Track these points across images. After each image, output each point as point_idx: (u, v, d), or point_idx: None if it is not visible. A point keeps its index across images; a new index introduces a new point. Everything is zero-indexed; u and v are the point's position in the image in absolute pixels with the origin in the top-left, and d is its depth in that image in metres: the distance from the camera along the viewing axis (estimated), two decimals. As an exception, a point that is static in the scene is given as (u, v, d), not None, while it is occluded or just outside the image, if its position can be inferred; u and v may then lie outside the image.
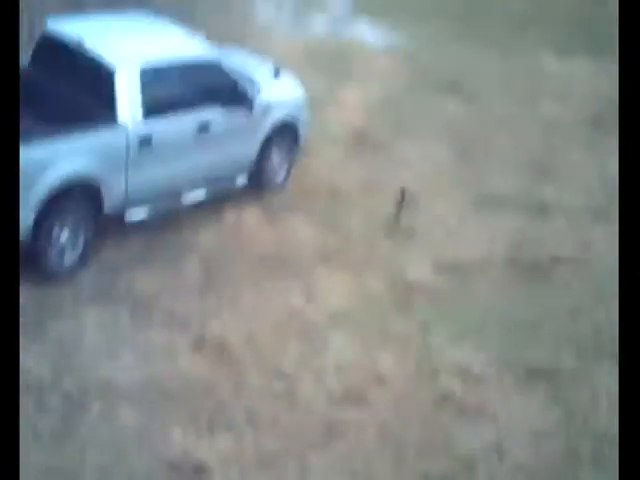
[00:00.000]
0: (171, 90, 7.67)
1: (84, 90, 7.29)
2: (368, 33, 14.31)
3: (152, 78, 7.30)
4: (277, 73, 8.79)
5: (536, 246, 8.88)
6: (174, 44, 7.92)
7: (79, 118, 7.06)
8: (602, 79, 12.89)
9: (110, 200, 7.33)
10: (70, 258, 7.24)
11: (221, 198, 8.59)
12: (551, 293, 8.10)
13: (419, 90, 11.91)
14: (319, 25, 14.21)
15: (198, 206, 8.39)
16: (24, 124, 6.11)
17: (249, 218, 8.65)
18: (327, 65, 12.27)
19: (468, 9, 16.29)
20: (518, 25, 15.78)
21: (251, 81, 8.35)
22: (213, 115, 7.92)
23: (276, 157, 8.93)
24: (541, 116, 11.73)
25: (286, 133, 8.86)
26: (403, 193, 8.63)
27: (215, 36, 12.13)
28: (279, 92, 8.68)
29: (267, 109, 8.44)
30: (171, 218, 8.15)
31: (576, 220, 9.44)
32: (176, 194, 8.02)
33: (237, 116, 8.13)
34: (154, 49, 7.64)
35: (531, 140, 11.05)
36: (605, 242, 8.93)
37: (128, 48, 7.47)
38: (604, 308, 7.76)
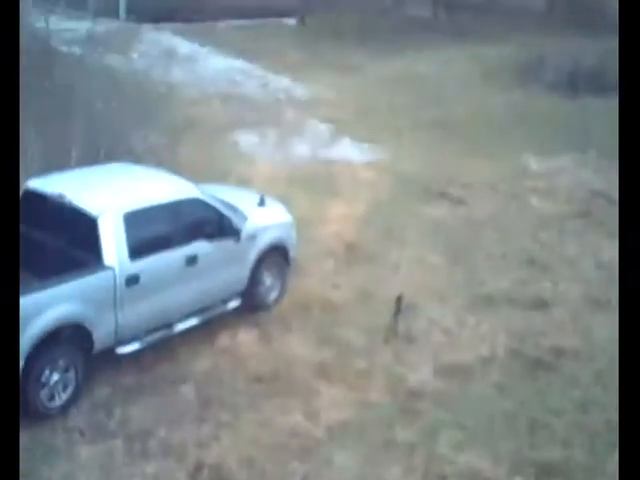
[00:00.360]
0: (156, 229, 7.76)
1: (70, 240, 7.44)
2: (350, 152, 14.68)
3: (135, 221, 7.41)
4: (262, 201, 8.94)
5: (537, 340, 8.73)
6: (155, 187, 8.08)
7: (66, 266, 7.15)
8: (586, 174, 13.10)
9: (100, 339, 7.32)
10: (61, 398, 7.13)
11: (214, 322, 8.53)
12: (557, 387, 7.87)
13: (406, 198, 12.09)
14: (301, 149, 14.58)
15: (191, 331, 8.32)
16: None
17: (244, 339, 8.54)
18: (312, 184, 12.52)
19: (450, 117, 16.88)
20: (499, 128, 16.31)
21: (237, 211, 8.48)
22: (200, 248, 7.99)
23: (268, 279, 8.93)
24: (529, 213, 11.83)
25: (276, 255, 8.91)
26: (399, 300, 8.56)
27: (200, 167, 12.63)
28: (266, 218, 8.80)
29: (254, 236, 8.53)
30: (164, 346, 8.06)
31: (576, 311, 9.31)
32: (168, 325, 7.99)
33: (225, 246, 8.20)
34: (135, 193, 7.79)
35: (522, 237, 11.09)
36: (607, 331, 8.76)
37: (109, 196, 7.64)
38: (613, 398, 7.50)
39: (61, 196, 7.49)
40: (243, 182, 12.45)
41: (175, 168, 12.26)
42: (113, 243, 7.31)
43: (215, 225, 8.12)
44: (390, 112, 17.08)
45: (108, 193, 7.70)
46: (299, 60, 20.34)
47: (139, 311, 7.61)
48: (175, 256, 7.83)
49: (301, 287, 9.51)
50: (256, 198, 9.12)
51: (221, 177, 12.55)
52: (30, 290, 6.75)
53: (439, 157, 14.12)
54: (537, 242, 10.93)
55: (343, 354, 8.34)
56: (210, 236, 8.07)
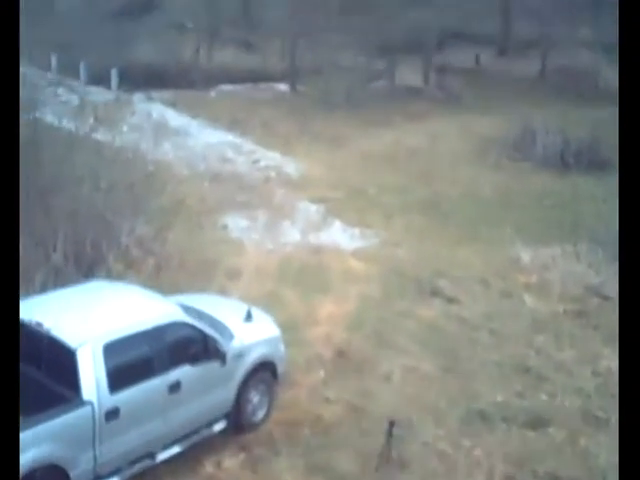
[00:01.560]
0: (137, 358, 7.43)
1: (48, 370, 7.14)
2: (340, 237, 14.47)
3: (116, 350, 7.11)
4: (249, 316, 8.63)
5: (534, 466, 8.40)
6: (137, 311, 7.78)
7: (44, 399, 6.81)
8: (579, 267, 12.91)
9: (77, 477, 6.94)
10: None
11: (198, 446, 8.16)
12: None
13: (397, 296, 11.83)
14: (292, 234, 14.36)
15: (175, 459, 7.95)
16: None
17: (229, 466, 8.19)
18: (302, 277, 12.27)
19: (441, 198, 16.74)
20: (489, 212, 16.18)
21: (222, 329, 8.19)
22: (184, 374, 7.67)
23: (255, 397, 8.59)
24: (523, 313, 11.58)
25: (264, 371, 8.59)
26: (392, 425, 8.23)
27: (188, 259, 12.36)
28: (252, 335, 8.48)
29: (241, 355, 8.22)
30: (146, 477, 7.68)
31: (574, 431, 9.01)
32: (150, 455, 7.63)
33: (210, 369, 7.87)
34: (116, 320, 7.48)
35: (517, 341, 10.82)
36: (606, 455, 8.46)
37: (88, 324, 7.33)
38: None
39: (39, 324, 7.19)
40: (232, 275, 12.23)
41: (163, 263, 12.17)
42: (92, 376, 7.00)
43: (200, 348, 7.81)
44: (380, 191, 16.94)
45: (88, 321, 7.38)
46: (289, 132, 20.29)
47: (119, 444, 7.27)
48: (157, 384, 7.51)
49: (290, 401, 9.18)
50: (242, 311, 8.82)
51: (210, 269, 12.33)
52: (4, 433, 6.40)
53: (430, 245, 13.92)
54: (532, 348, 10.65)
55: (333, 483, 7.99)
56: (194, 360, 7.77)
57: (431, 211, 15.89)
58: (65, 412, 6.88)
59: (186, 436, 7.97)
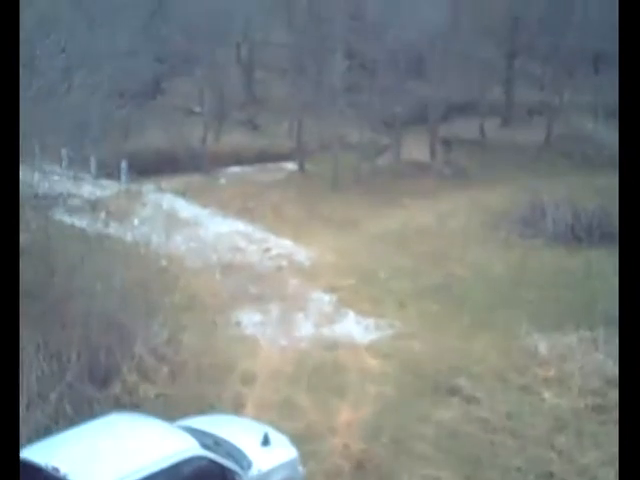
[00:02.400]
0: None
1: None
2: (354, 329, 14.40)
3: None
4: (266, 440, 8.53)
5: None
6: (153, 449, 7.70)
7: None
8: (597, 357, 12.77)
9: None
10: None
11: None
12: None
13: (414, 396, 11.69)
14: (305, 328, 14.31)
15: None
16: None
17: None
18: (317, 379, 12.16)
19: (452, 282, 16.70)
20: (502, 295, 16.11)
21: (240, 456, 8.10)
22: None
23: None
24: (544, 410, 11.41)
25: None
26: None
27: (203, 365, 12.29)
28: (271, 460, 8.39)
29: (260, 481, 8.12)
30: None
31: None
32: None
33: (229, 500, 7.77)
34: (133, 461, 7.39)
35: (538, 443, 10.62)
36: None
37: (105, 468, 7.27)
38: None
39: (56, 470, 7.12)
40: (247, 380, 12.12)
41: (177, 370, 12.11)
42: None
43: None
44: (392, 275, 16.94)
45: (104, 464, 7.31)
46: (299, 216, 20.41)
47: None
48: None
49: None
50: (258, 432, 8.72)
51: (224, 374, 12.25)
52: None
53: (445, 336, 13.82)
54: (554, 450, 10.45)
55: None
56: (214, 493, 7.67)
57: (444, 296, 15.83)
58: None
59: None
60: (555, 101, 30.54)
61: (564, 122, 29.82)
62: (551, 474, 10.00)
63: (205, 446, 7.78)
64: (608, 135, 28.85)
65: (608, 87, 29.58)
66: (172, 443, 7.79)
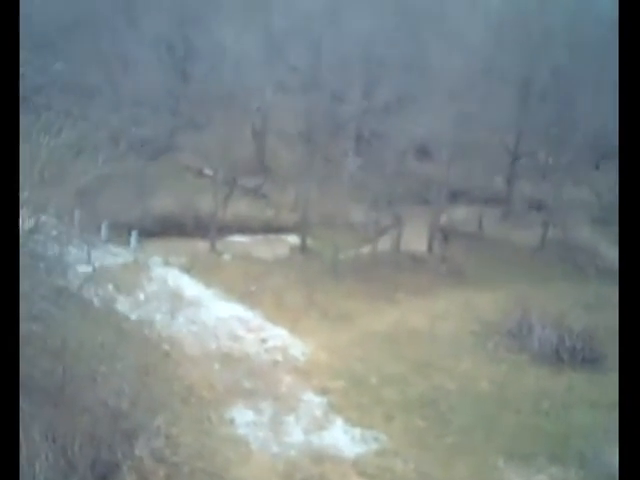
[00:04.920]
0: None
1: None
2: (342, 439, 15.05)
3: None
4: None
5: None
6: None
7: None
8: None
9: None
10: None
11: None
12: None
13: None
14: (295, 434, 14.94)
15: None
16: None
17: None
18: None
19: (439, 396, 17.39)
20: (485, 419, 16.81)
21: None
22: None
23: None
24: None
25: None
26: None
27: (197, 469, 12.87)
28: None
29: None
30: None
31: None
32: None
33: None
34: None
35: None
36: None
37: None
38: None
39: None
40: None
41: (173, 472, 12.71)
42: None
43: None
44: (381, 382, 17.62)
45: None
46: (297, 305, 21.15)
47: None
48: None
49: None
50: None
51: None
52: None
53: (427, 458, 14.51)
54: None
55: None
56: None
57: (430, 411, 16.53)
58: None
59: None
60: (554, 197, 31.15)
61: (561, 225, 30.63)
62: None
63: None
64: (602, 245, 29.98)
65: (607, 183, 30.80)
66: None
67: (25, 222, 13.82)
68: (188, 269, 21.66)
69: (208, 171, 29.97)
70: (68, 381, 13.38)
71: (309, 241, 27.05)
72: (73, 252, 19.43)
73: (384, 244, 28.12)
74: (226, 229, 26.66)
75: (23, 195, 14.12)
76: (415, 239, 28.22)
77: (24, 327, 13.18)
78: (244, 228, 27.74)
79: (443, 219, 29.41)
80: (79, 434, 12.39)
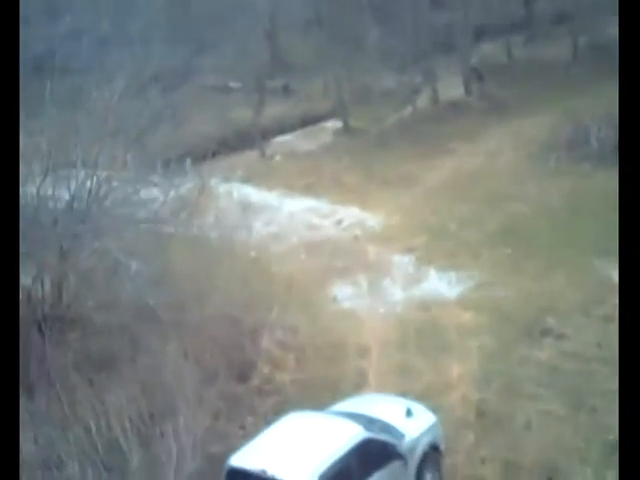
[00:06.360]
0: (343, 476, 9.04)
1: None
2: (440, 286, 15.93)
3: (328, 476, 8.82)
4: (409, 413, 10.22)
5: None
6: (332, 439, 9.34)
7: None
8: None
9: None
10: None
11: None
12: None
13: (512, 343, 13.25)
14: (396, 294, 15.85)
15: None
16: None
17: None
18: (421, 340, 13.78)
19: (516, 222, 18.04)
20: (564, 227, 17.41)
21: (393, 430, 9.80)
22: (378, 478, 9.30)
23: (428, 475, 10.20)
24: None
25: (430, 453, 10.18)
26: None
27: (322, 348, 13.92)
28: (417, 429, 10.09)
29: (413, 448, 9.85)
30: None
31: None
32: None
33: (393, 467, 9.55)
34: (320, 452, 9.11)
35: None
36: None
37: (301, 462, 8.99)
38: None
39: (264, 472, 8.86)
40: (362, 352, 13.78)
41: (300, 355, 13.78)
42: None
43: (384, 454, 9.46)
44: (458, 227, 18.31)
45: (299, 459, 9.05)
46: (358, 182, 21.70)
47: None
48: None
49: (451, 467, 10.71)
50: (401, 405, 10.42)
51: (341, 351, 13.90)
52: None
53: (523, 280, 15.25)
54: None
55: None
56: (382, 464, 9.40)
57: (512, 238, 17.19)
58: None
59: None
60: (575, 5, 30.32)
61: (589, 30, 29.95)
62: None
63: (366, 427, 9.50)
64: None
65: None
66: (345, 431, 9.48)
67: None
68: (247, 179, 22.36)
69: (234, 84, 30.14)
70: (180, 303, 14.48)
71: (350, 121, 27.28)
72: (137, 197, 20.21)
73: (422, 101, 28.23)
74: (268, 133, 27.07)
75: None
76: (451, 87, 28.19)
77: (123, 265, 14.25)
78: (283, 128, 28.05)
79: (473, 60, 29.19)
80: (209, 343, 13.51)
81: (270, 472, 8.83)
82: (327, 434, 9.52)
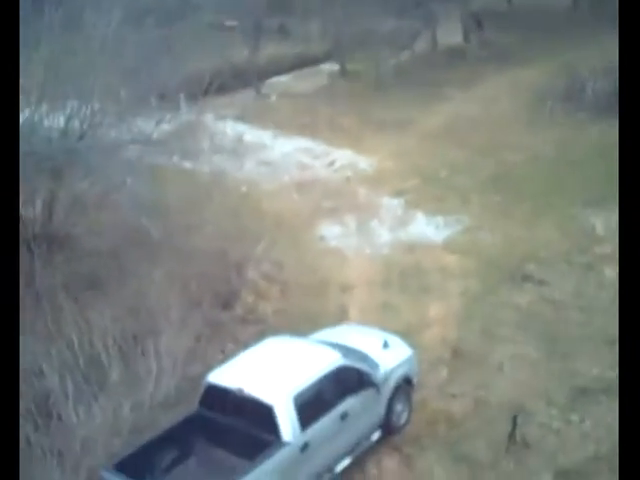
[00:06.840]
0: (316, 399, 9.32)
1: (251, 422, 9.09)
2: (427, 229, 16.09)
3: (301, 398, 9.07)
4: (386, 345, 10.47)
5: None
6: (309, 363, 9.63)
7: (251, 444, 8.81)
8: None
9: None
10: None
11: (362, 453, 10.15)
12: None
13: (493, 286, 13.47)
14: (383, 235, 16.02)
15: (346, 468, 9.96)
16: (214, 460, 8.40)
17: (388, 465, 10.16)
18: (404, 281, 14.00)
19: (507, 170, 18.13)
20: (555, 177, 17.53)
21: (369, 360, 10.06)
22: (349, 404, 9.62)
23: (399, 406, 10.48)
24: (606, 286, 13.10)
25: (403, 385, 10.47)
26: (515, 420, 10.02)
27: (307, 285, 14.14)
28: (392, 360, 10.33)
29: (387, 379, 10.11)
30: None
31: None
32: (330, 469, 9.64)
33: (366, 395, 9.82)
34: (297, 375, 9.38)
35: (604, 314, 12.36)
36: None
37: (278, 382, 9.25)
38: None
39: (241, 390, 9.14)
40: (345, 289, 14.01)
41: (285, 288, 14.00)
42: (288, 423, 8.97)
43: (358, 382, 9.74)
44: (451, 173, 18.42)
45: (276, 380, 9.31)
46: (352, 124, 21.72)
47: (310, 467, 9.27)
48: (332, 417, 9.48)
49: (421, 402, 11.01)
50: (378, 338, 10.67)
51: (325, 287, 14.13)
52: (239, 474, 8.48)
53: (510, 226, 15.43)
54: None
55: (474, 469, 9.87)
56: (355, 391, 9.69)
57: (502, 186, 17.32)
58: (273, 453, 8.89)
59: (354, 449, 9.95)
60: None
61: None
62: (615, 340, 11.79)
63: (343, 355, 9.76)
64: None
65: None
66: (322, 357, 9.73)
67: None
68: (241, 117, 22.32)
69: (230, 22, 29.74)
70: (170, 232, 14.63)
71: (347, 65, 27.09)
72: (130, 128, 20.15)
73: (420, 46, 28.02)
74: (263, 73, 26.90)
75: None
76: (450, 33, 27.98)
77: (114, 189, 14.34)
78: (280, 68, 27.87)
79: (473, 6, 28.87)
80: (196, 271, 13.69)
81: (247, 391, 9.10)
82: (305, 358, 9.78)
